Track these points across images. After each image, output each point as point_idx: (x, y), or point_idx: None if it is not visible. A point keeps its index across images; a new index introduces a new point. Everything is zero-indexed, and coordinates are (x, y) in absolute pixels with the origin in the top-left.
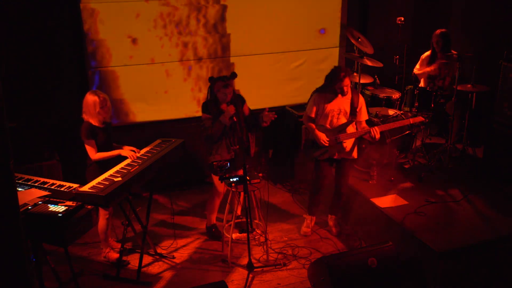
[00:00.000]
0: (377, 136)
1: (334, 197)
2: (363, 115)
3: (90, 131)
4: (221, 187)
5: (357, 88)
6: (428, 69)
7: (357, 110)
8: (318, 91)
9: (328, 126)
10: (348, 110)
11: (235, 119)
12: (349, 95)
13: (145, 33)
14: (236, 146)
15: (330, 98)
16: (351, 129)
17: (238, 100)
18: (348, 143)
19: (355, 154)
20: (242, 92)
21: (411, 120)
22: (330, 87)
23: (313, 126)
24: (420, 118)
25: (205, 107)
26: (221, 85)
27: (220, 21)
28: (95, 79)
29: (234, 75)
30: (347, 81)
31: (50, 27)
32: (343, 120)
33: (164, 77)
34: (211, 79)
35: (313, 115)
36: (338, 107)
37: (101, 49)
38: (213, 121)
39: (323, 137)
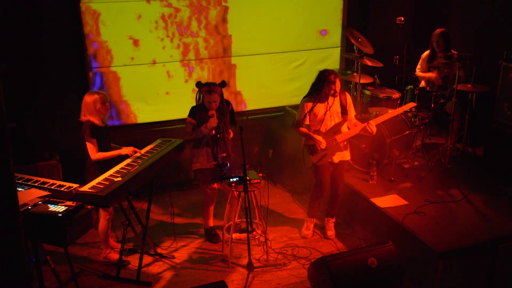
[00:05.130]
0: (374, 130)
1: (331, 199)
2: (352, 111)
3: (93, 129)
4: (210, 192)
5: (357, 88)
6: (430, 74)
7: (347, 108)
8: (307, 97)
9: (322, 130)
10: (339, 110)
11: (213, 132)
12: (337, 95)
13: (146, 34)
14: (220, 155)
15: (321, 102)
16: (344, 128)
17: (226, 110)
18: (344, 144)
19: (349, 154)
20: (243, 92)
21: (404, 107)
22: (320, 92)
23: (308, 131)
24: (411, 104)
25: (192, 111)
26: (205, 90)
27: (221, 22)
28: (97, 80)
29: (223, 84)
30: (338, 83)
31: (50, 27)
32: (336, 121)
33: (166, 78)
34: (198, 84)
35: (307, 122)
36: (331, 108)
37: (103, 50)
38: (196, 127)
39: (323, 141)
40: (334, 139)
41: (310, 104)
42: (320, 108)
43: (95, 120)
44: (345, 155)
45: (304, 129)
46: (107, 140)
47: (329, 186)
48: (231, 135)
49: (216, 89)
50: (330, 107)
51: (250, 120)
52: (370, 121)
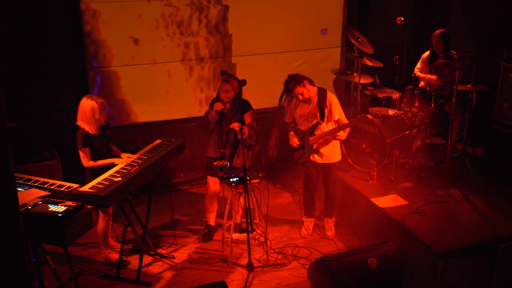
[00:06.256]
0: (342, 137)
1: (326, 200)
2: (335, 114)
3: (85, 139)
4: (211, 187)
5: (357, 88)
6: (430, 77)
7: (325, 111)
8: (287, 98)
9: (302, 129)
10: (316, 112)
11: (215, 118)
12: (314, 99)
13: (147, 33)
14: (224, 150)
15: (297, 103)
16: (323, 130)
17: (237, 104)
18: (323, 147)
19: (337, 157)
20: (243, 91)
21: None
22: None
23: (291, 131)
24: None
25: (212, 102)
26: (223, 79)
27: (222, 22)
28: (97, 79)
29: (242, 82)
30: (298, 90)
31: (50, 26)
32: (313, 122)
33: (166, 78)
34: (223, 72)
35: (288, 120)
36: (307, 111)
37: (103, 50)
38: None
39: (294, 140)
40: (307, 140)
41: (288, 104)
42: (296, 108)
43: (90, 129)
44: (333, 157)
45: (289, 129)
46: (107, 143)
47: (316, 185)
48: (236, 131)
49: (231, 80)
50: (304, 109)
51: None
52: (337, 128)
